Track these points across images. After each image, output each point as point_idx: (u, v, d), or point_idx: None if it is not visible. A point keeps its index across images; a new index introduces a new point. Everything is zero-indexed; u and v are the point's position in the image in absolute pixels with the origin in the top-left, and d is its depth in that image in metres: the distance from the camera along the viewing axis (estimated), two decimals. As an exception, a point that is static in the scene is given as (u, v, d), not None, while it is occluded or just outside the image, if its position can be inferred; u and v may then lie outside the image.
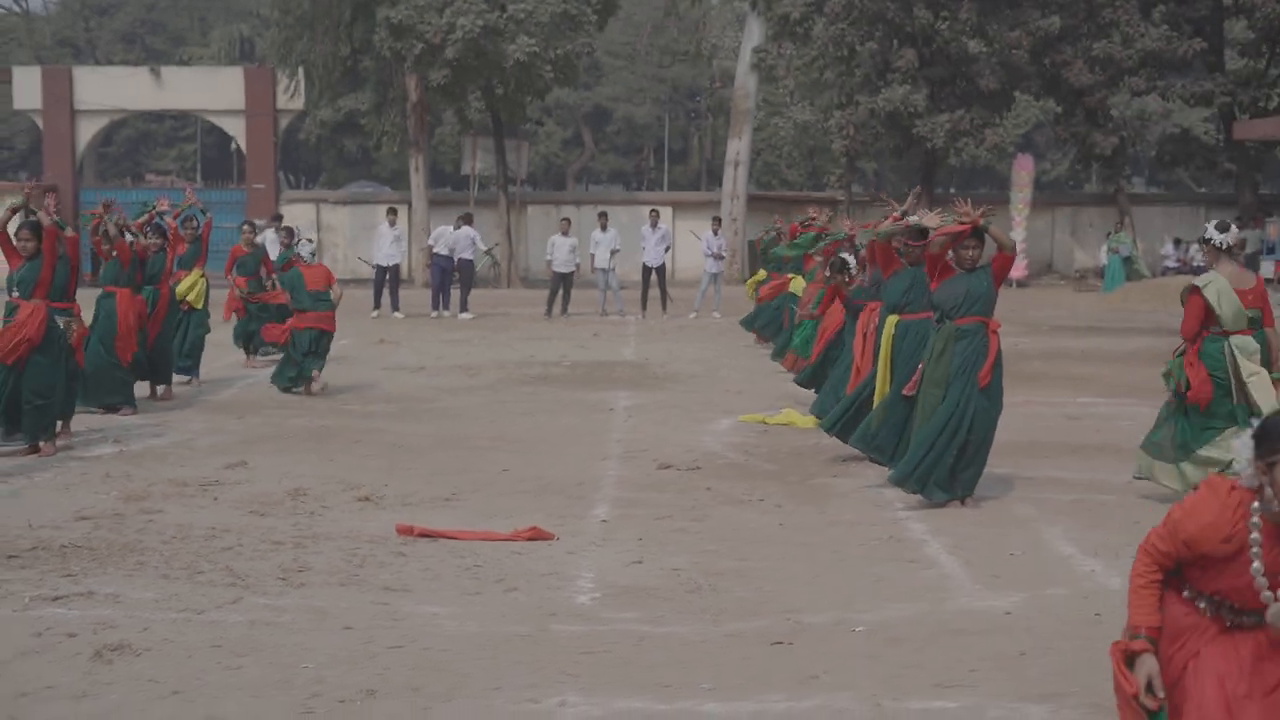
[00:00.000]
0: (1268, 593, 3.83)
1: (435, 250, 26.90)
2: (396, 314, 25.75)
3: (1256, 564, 3.82)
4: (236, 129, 40.38)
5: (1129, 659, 4.07)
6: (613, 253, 26.39)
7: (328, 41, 36.97)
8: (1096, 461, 11.14)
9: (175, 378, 14.75)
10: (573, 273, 26.41)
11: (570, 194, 48.05)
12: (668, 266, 27.38)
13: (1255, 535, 3.82)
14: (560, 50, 33.28)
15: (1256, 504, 3.83)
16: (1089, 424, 13.18)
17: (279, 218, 26.02)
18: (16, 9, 70.14)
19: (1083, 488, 10.08)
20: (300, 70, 38.42)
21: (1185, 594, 4.08)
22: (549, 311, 26.12)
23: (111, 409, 12.94)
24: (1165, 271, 34.77)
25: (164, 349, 14.09)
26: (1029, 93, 37.53)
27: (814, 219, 18.18)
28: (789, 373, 15.03)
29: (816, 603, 7.04)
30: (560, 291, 26.29)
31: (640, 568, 7.73)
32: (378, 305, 26.14)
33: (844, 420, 10.84)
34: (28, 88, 40.09)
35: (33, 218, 11.05)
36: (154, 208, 14.40)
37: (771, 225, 20.21)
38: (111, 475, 10.16)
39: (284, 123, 40.87)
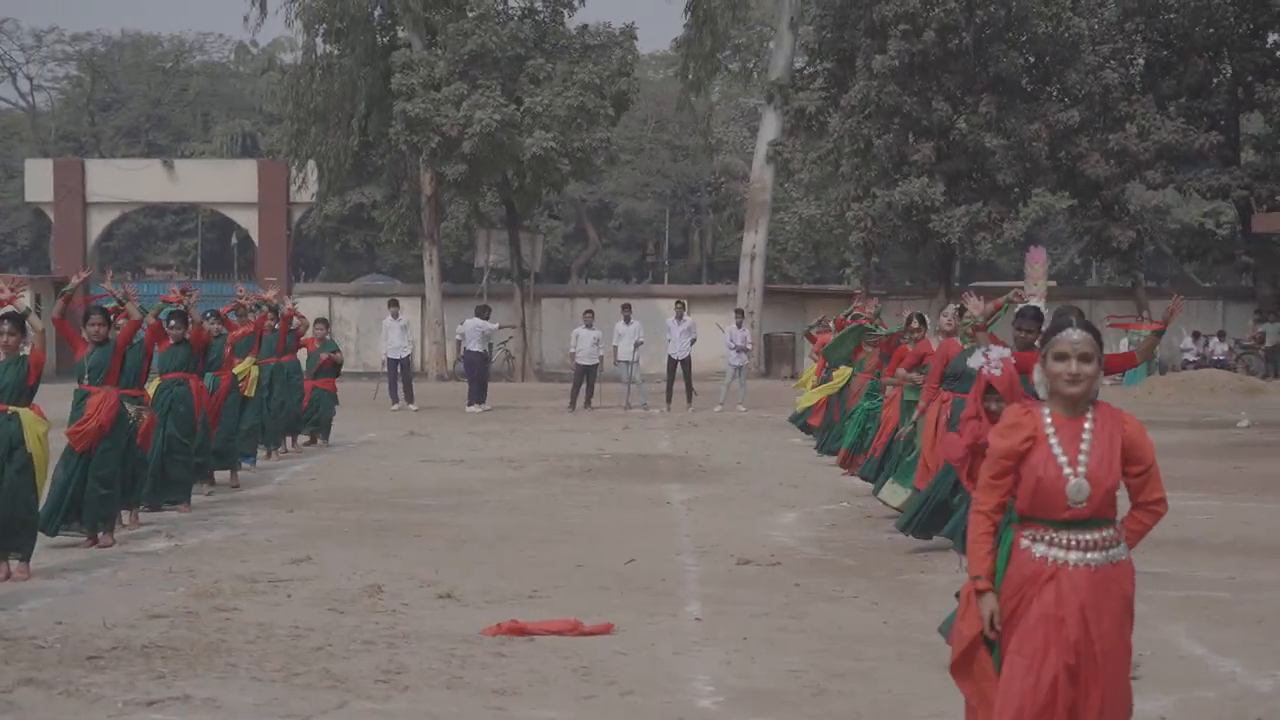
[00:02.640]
0: (1068, 469, 4.51)
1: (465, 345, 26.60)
2: (410, 406, 25.38)
3: (1053, 440, 4.55)
4: (249, 221, 40.26)
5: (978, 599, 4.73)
6: (636, 345, 26.05)
7: (339, 134, 36.91)
8: (1186, 556, 10.75)
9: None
10: (596, 365, 26.07)
11: (585, 287, 47.85)
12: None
13: (1049, 426, 4.60)
14: (577, 144, 33.25)
15: (1046, 408, 4.65)
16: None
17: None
18: (22, 105, 70.48)
19: (1186, 584, 9.69)
20: (311, 163, 38.32)
21: (1023, 543, 4.64)
22: (572, 404, 25.72)
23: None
24: (1185, 365, 34.52)
25: (227, 436, 13.78)
26: (1045, 186, 37.40)
27: (863, 310, 17.84)
28: (843, 470, 14.70)
29: (957, 707, 6.60)
30: (583, 384, 25.95)
31: (755, 668, 7.31)
32: (395, 399, 25.78)
33: (919, 519, 10.51)
34: (39, 180, 40.07)
35: (104, 304, 10.90)
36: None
37: (819, 321, 19.91)
38: (174, 571, 9.73)
39: (296, 215, 40.80)
